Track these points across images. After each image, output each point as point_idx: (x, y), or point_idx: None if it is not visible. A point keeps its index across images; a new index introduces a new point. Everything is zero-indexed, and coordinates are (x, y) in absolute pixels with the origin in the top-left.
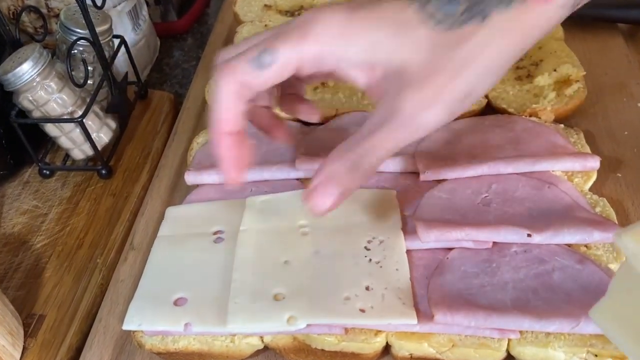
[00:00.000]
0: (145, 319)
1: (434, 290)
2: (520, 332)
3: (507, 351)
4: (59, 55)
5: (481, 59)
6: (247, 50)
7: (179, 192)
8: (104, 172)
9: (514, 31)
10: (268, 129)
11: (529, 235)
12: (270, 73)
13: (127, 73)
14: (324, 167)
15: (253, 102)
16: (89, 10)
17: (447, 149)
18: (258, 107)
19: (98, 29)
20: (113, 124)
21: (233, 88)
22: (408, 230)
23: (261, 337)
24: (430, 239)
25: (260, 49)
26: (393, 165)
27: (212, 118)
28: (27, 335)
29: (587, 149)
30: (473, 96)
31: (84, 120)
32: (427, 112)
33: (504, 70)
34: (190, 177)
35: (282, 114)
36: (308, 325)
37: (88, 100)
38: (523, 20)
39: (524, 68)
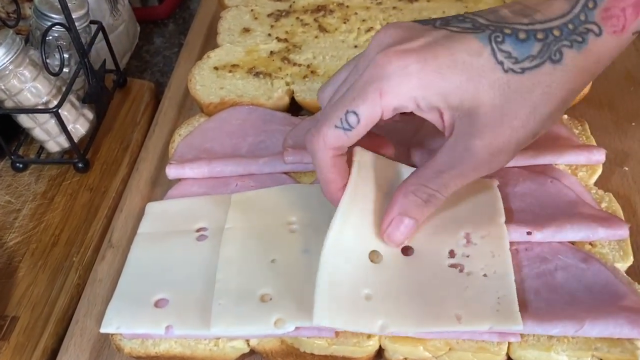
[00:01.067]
0: (124, 321)
1: None
2: (521, 335)
3: (508, 355)
4: (33, 42)
5: (554, 100)
6: (330, 113)
7: (159, 187)
8: (80, 165)
9: (587, 67)
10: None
11: (528, 233)
12: (357, 131)
13: (105, 61)
14: (396, 202)
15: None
16: None
17: None
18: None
19: (74, 14)
20: (90, 115)
21: (330, 154)
22: None
23: (247, 341)
24: None
25: (343, 112)
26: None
27: (323, 182)
28: None
29: (592, 141)
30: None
31: (59, 111)
32: (500, 156)
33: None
34: (171, 171)
35: (267, 103)
36: (296, 328)
37: (64, 89)
38: (597, 53)
39: None
